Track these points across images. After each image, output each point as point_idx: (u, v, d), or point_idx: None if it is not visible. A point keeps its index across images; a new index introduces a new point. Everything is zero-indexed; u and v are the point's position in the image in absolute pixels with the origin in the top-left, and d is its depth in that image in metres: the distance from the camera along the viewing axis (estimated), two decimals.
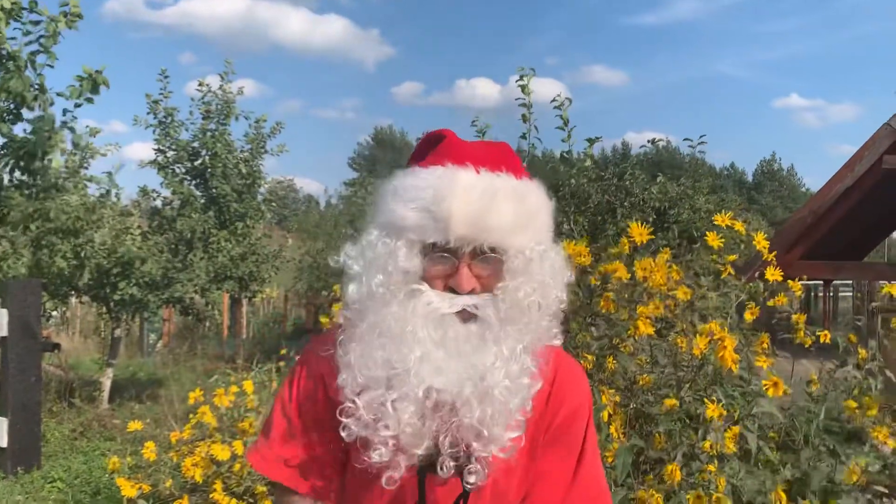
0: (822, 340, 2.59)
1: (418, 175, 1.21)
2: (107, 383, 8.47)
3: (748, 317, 2.51)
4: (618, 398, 2.57)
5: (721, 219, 2.59)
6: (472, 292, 1.18)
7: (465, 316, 1.17)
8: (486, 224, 1.15)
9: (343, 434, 1.17)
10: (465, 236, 1.15)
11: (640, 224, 2.62)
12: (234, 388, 3.87)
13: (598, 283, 2.66)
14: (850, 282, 14.89)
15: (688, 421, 2.52)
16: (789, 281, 2.81)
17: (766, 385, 2.27)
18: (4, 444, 5.38)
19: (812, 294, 18.05)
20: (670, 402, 2.45)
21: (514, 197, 1.19)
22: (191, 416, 3.89)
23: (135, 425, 4.08)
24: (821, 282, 14.94)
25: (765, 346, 2.52)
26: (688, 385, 2.46)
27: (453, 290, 1.18)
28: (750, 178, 56.33)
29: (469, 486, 1.20)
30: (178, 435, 3.81)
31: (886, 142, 5.11)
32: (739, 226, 2.57)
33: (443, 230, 1.15)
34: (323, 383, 1.27)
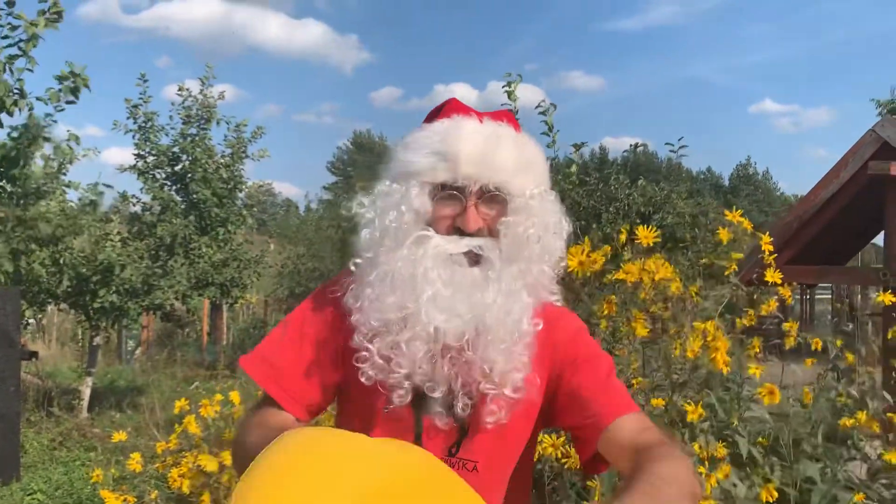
0: (813, 348, 2.61)
1: (426, 129, 1.30)
2: (86, 392, 8.36)
3: (742, 322, 2.51)
4: None
5: (732, 215, 2.59)
6: (478, 233, 1.23)
7: (472, 258, 1.23)
8: (491, 163, 1.23)
9: (363, 379, 1.21)
10: (472, 174, 1.22)
11: (627, 228, 2.61)
12: (218, 397, 3.82)
13: (590, 285, 2.65)
14: (829, 285, 15.08)
15: (679, 423, 2.52)
16: (780, 288, 2.83)
17: (761, 393, 2.27)
18: None
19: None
20: (657, 401, 2.45)
21: (515, 143, 1.28)
22: (176, 425, 3.84)
23: (119, 436, 4.02)
24: (797, 286, 15.11)
25: (756, 351, 2.53)
26: (679, 388, 2.46)
27: (460, 231, 1.23)
28: (726, 183, 56.84)
29: (489, 424, 1.23)
30: (164, 445, 3.75)
31: (871, 148, 5.17)
32: (747, 223, 2.57)
33: (451, 169, 1.23)
34: (332, 314, 1.31)
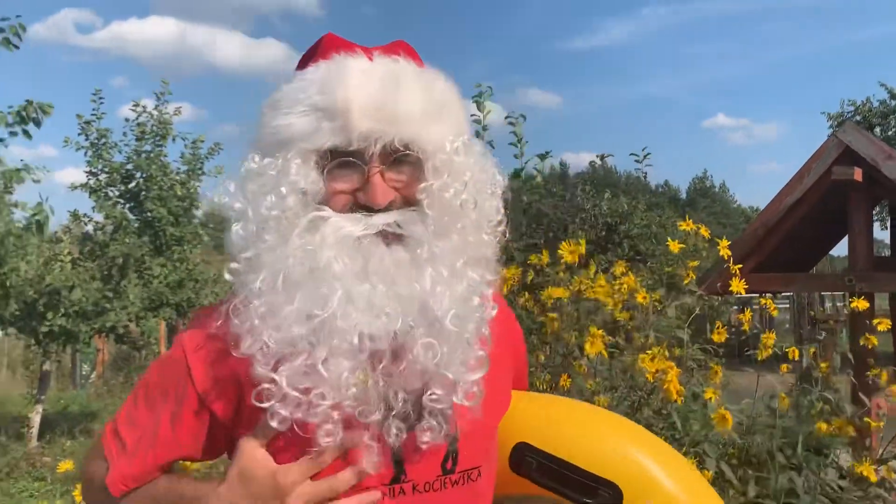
0: (790, 357, 2.56)
1: (298, 78, 1.00)
2: (36, 419, 8.03)
3: (717, 338, 2.45)
4: None
5: (686, 224, 2.54)
6: (389, 207, 0.96)
7: (388, 238, 0.95)
8: (393, 113, 0.94)
9: (274, 424, 0.92)
10: (371, 130, 0.93)
11: (587, 240, 2.58)
12: None
13: (537, 303, 2.58)
14: (789, 293, 15.29)
15: None
16: (763, 299, 2.80)
17: (715, 418, 2.21)
18: None
19: (749, 307, 18.50)
20: None
21: (420, 81, 0.99)
22: None
23: (65, 465, 3.79)
24: (757, 294, 15.26)
25: (718, 378, 2.48)
26: (641, 407, 2.39)
27: (366, 208, 0.96)
28: (684, 196, 57.78)
29: (448, 446, 1.00)
30: None
31: (834, 152, 5.21)
32: (704, 230, 2.52)
33: (341, 128, 0.93)
34: (211, 359, 1.00)
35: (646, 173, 5.40)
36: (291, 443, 0.95)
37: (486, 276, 1.02)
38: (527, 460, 1.16)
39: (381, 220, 0.95)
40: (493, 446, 1.12)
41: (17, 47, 6.14)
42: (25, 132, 6.38)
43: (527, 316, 2.61)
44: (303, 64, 1.04)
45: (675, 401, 2.18)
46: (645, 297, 2.54)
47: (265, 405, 0.92)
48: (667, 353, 2.23)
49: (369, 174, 0.95)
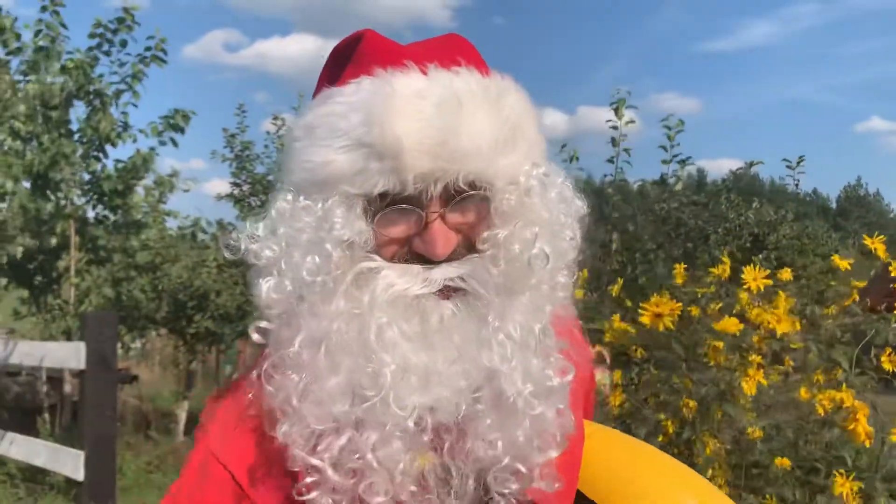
0: None
1: (336, 98, 0.81)
2: (182, 415, 8.49)
3: (887, 364, 2.20)
4: (724, 451, 2.27)
5: (870, 242, 2.31)
6: (451, 256, 0.80)
7: (448, 293, 0.80)
8: (456, 148, 0.76)
9: None
10: (430, 171, 0.76)
11: (735, 251, 2.38)
12: None
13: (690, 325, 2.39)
14: None
15: (806, 480, 2.21)
16: None
17: None
18: (81, 477, 5.35)
19: None
20: (781, 461, 2.15)
21: (486, 101, 0.80)
22: None
23: None
24: None
25: None
26: (807, 440, 2.16)
27: (422, 259, 0.80)
28: (834, 205, 54.25)
29: None
30: None
31: None
32: (882, 250, 2.28)
33: (393, 169, 0.76)
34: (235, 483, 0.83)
35: (798, 181, 5.02)
36: None
37: (560, 325, 0.88)
38: None
39: (441, 276, 0.80)
40: None
41: (165, 62, 6.56)
42: (173, 140, 6.81)
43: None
44: (338, 68, 0.86)
45: (864, 443, 1.94)
46: (795, 324, 2.34)
47: (309, 497, 0.78)
48: (851, 398, 2.01)
49: (427, 220, 0.79)
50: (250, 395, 0.83)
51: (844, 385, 2.18)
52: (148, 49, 6.86)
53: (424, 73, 0.80)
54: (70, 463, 5.16)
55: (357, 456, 0.76)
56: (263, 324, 0.83)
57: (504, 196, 0.81)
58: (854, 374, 2.35)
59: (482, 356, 0.78)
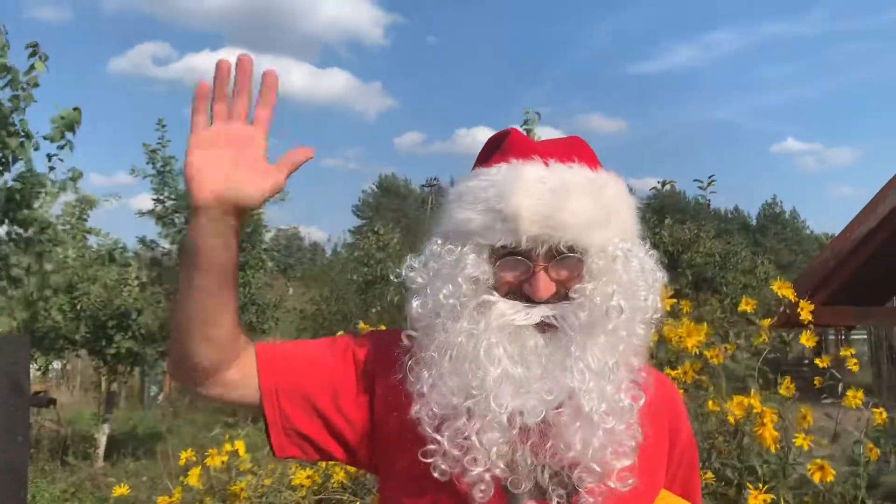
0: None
1: (481, 176, 1.13)
2: (102, 439, 8.23)
3: (815, 383, 2.32)
4: None
5: (779, 286, 2.45)
6: (549, 300, 1.07)
7: (543, 327, 1.07)
8: (559, 221, 1.05)
9: (436, 475, 1.05)
10: (538, 236, 1.05)
11: None
12: (227, 447, 3.64)
13: None
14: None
15: (722, 492, 2.30)
16: (804, 332, 2.70)
17: (810, 470, 2.07)
18: None
19: (823, 339, 17.71)
20: (706, 476, 2.24)
21: (589, 189, 1.09)
22: (181, 477, 3.67)
23: (120, 490, 3.85)
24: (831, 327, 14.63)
25: (808, 422, 2.33)
26: (718, 453, 2.25)
27: (528, 298, 1.07)
28: (754, 222, 56.24)
29: None
30: (167, 500, 3.57)
31: None
32: (788, 291, 2.40)
33: (512, 231, 1.06)
34: (391, 362, 1.14)
35: (709, 200, 5.21)
36: (442, 490, 1.07)
37: (633, 365, 1.10)
38: None
39: (540, 313, 1.06)
40: None
41: (47, 56, 6.15)
42: (69, 143, 6.42)
43: None
44: (486, 153, 1.18)
45: (770, 448, 2.06)
46: (717, 356, 2.46)
47: (430, 460, 1.05)
48: (757, 405, 2.11)
49: (534, 270, 1.06)
50: (391, 349, 1.13)
51: (753, 391, 2.29)
52: (33, 54, 6.43)
53: (546, 164, 1.10)
54: None
55: (465, 436, 1.03)
56: (412, 332, 1.11)
57: (595, 260, 1.07)
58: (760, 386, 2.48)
59: (565, 378, 1.03)
